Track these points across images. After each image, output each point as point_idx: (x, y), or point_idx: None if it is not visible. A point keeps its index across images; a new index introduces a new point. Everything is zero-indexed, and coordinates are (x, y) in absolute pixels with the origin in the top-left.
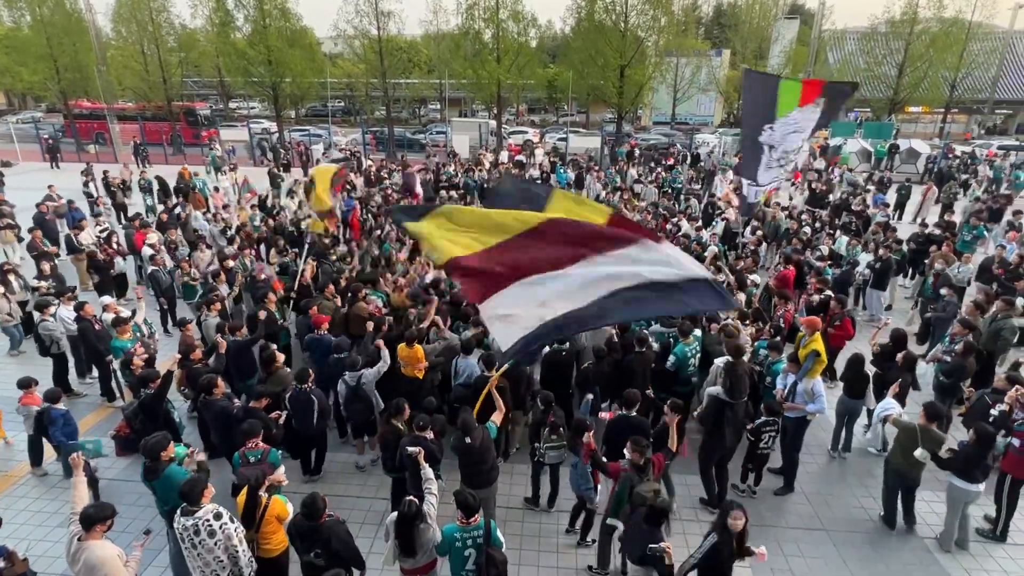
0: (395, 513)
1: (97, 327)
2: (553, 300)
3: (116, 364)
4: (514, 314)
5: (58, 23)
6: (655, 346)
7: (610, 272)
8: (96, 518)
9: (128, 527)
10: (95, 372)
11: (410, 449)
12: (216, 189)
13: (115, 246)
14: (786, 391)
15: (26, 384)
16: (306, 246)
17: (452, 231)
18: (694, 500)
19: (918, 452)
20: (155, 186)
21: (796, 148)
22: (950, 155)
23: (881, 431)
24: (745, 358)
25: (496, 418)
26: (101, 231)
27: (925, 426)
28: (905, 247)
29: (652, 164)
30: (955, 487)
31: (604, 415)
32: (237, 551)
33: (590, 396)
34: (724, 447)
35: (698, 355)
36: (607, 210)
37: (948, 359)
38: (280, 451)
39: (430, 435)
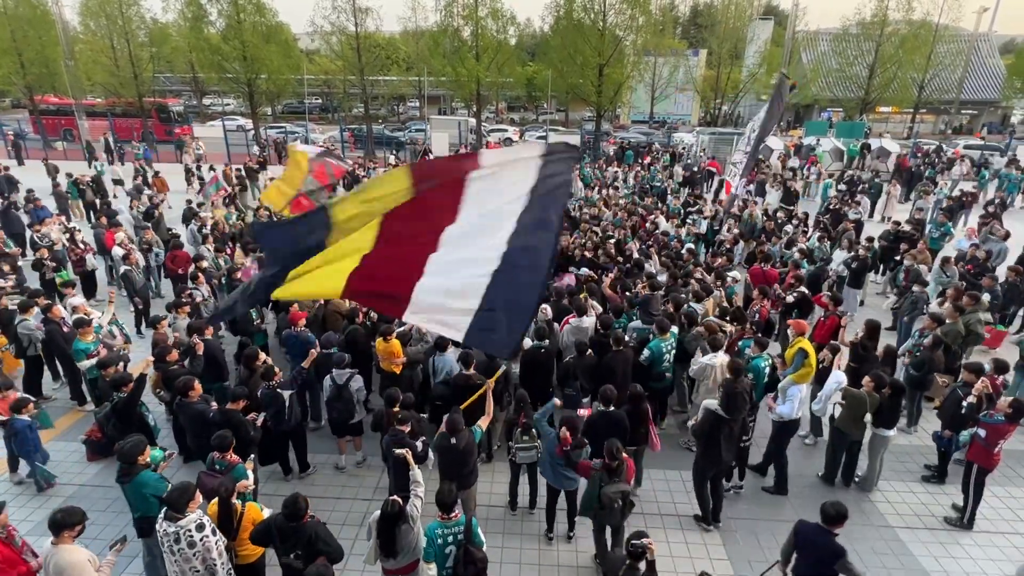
0: (378, 512)
1: (65, 329)
2: (456, 290)
3: (84, 367)
4: (437, 317)
5: (23, 15)
6: (632, 343)
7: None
8: (64, 523)
9: (100, 533)
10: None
11: (397, 451)
12: (157, 174)
13: (80, 245)
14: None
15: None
16: None
17: (320, 266)
18: (677, 498)
19: (867, 417)
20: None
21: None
22: (919, 154)
23: (831, 404)
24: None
25: (483, 422)
26: (66, 230)
27: (871, 393)
28: (876, 244)
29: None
30: (877, 436)
31: (582, 412)
32: (216, 564)
33: (557, 402)
34: (719, 462)
35: (673, 351)
36: (394, 179)
37: (917, 353)
38: (252, 458)
39: (407, 429)
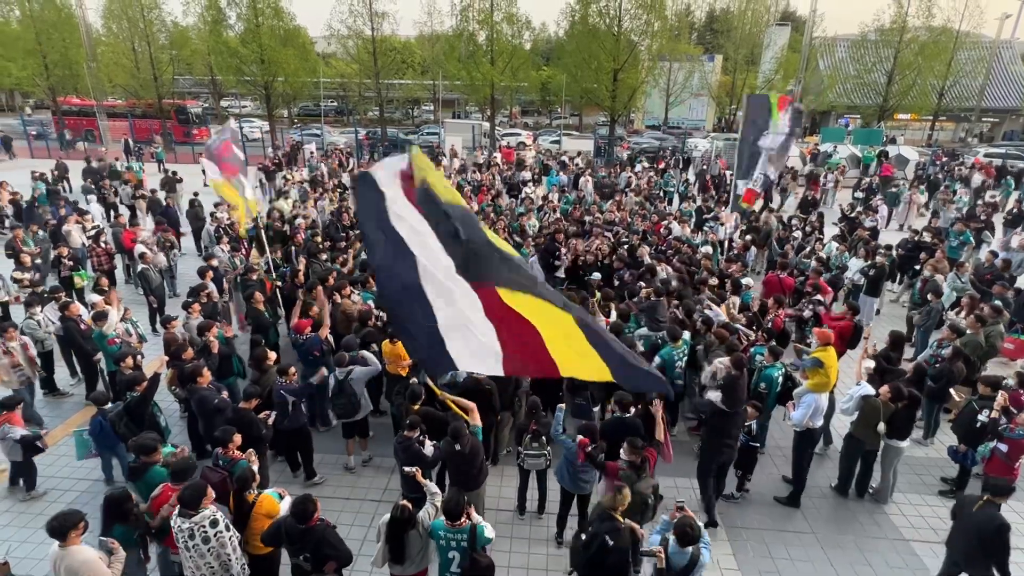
0: (387, 515)
1: (83, 327)
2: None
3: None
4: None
5: (47, 18)
6: (640, 349)
7: None
8: (66, 527)
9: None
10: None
11: (407, 470)
12: (129, 168)
13: (103, 244)
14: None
15: (10, 404)
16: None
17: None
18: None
19: (881, 426)
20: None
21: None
22: (938, 162)
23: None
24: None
25: (473, 418)
26: (91, 228)
27: (887, 403)
28: (894, 253)
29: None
30: (890, 447)
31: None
32: (230, 559)
33: (562, 406)
34: (722, 455)
35: (685, 359)
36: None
37: (936, 364)
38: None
39: (415, 434)
